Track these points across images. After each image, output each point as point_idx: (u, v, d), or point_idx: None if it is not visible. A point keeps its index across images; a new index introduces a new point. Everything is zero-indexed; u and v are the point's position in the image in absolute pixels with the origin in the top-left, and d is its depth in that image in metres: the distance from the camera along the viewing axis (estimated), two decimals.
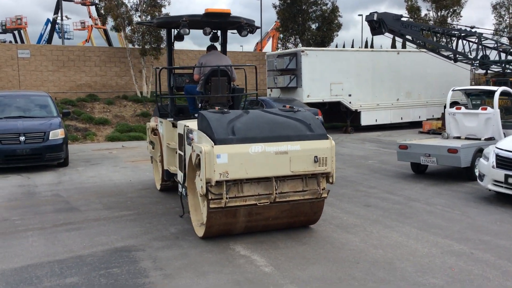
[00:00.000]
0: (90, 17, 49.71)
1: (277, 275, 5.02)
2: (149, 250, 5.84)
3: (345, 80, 20.14)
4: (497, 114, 10.59)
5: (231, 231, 6.23)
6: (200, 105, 8.15)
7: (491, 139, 10.45)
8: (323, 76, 19.55)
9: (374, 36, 20.11)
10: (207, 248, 5.90)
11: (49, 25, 48.68)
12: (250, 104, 17.85)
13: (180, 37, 8.90)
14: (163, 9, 21.51)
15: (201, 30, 8.19)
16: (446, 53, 20.05)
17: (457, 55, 19.99)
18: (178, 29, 7.89)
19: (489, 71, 22.08)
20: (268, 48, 50.81)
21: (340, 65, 20.01)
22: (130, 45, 22.47)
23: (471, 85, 25.77)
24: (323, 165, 6.04)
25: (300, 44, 26.34)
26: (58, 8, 48.35)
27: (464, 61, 20.57)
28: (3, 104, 12.47)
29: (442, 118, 21.58)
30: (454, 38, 19.95)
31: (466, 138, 10.88)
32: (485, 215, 7.23)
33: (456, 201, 8.16)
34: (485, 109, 10.84)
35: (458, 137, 11.07)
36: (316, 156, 5.99)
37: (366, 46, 42.47)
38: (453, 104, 22.46)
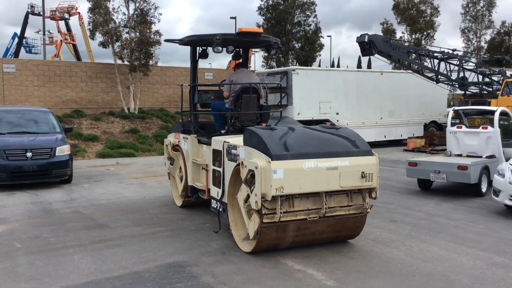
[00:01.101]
0: (59, 31, 48.99)
1: None
2: (203, 266, 5.86)
3: (333, 98, 20.58)
4: (497, 133, 11.11)
5: (279, 245, 6.33)
6: (229, 121, 8.27)
7: (492, 157, 10.95)
8: (312, 94, 19.93)
9: (362, 57, 20.79)
10: (258, 262, 5.97)
11: (16, 39, 47.81)
12: None
13: (204, 55, 9.04)
14: (153, 26, 21.59)
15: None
16: (429, 74, 20.83)
17: (439, 76, 20.81)
18: (211, 47, 8.01)
19: (467, 92, 23.03)
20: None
21: (329, 84, 20.47)
22: (119, 61, 22.34)
23: (449, 105, 26.77)
24: (369, 180, 6.25)
25: (284, 63, 26.76)
26: (26, 22, 47.68)
27: (445, 82, 21.41)
28: (6, 120, 12.20)
29: (424, 136, 22.35)
30: (436, 60, 20.78)
31: (468, 156, 11.35)
32: (509, 229, 7.57)
33: (474, 216, 8.49)
34: (486, 128, 11.35)
35: (460, 155, 11.53)
36: (363, 172, 6.19)
37: (332, 66, 43.54)
38: (432, 123, 23.29)
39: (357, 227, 6.63)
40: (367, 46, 17.96)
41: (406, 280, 5.40)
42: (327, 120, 20.41)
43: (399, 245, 6.73)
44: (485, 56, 32.91)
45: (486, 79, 22.71)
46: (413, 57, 20.04)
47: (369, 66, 30.73)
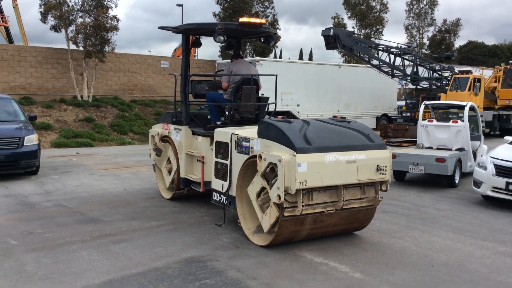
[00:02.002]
0: None
1: (372, 280, 5.21)
2: (223, 260, 5.74)
3: (294, 90, 20.75)
4: (467, 127, 11.66)
5: (294, 238, 6.31)
6: (227, 113, 8.11)
7: (461, 150, 11.49)
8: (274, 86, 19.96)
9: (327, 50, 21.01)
10: (277, 256, 5.93)
11: None
12: None
13: (197, 44, 8.82)
14: (110, 10, 20.71)
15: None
16: (385, 69, 21.49)
17: (395, 71, 21.52)
18: (212, 36, 7.79)
19: (418, 87, 23.98)
20: None
21: (290, 76, 20.59)
22: (74, 46, 21.28)
23: (399, 98, 27.81)
24: (383, 173, 6.35)
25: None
26: None
27: (400, 77, 22.18)
28: None
29: (379, 129, 23.06)
30: (392, 55, 21.45)
31: (438, 149, 11.84)
32: (496, 219, 7.98)
33: (458, 206, 8.87)
34: (456, 122, 11.88)
35: (430, 147, 12.00)
36: (378, 165, 6.29)
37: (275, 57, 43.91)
38: (383, 116, 23.89)
39: (367, 219, 6.74)
40: (332, 39, 18.22)
41: (428, 270, 5.55)
42: (288, 112, 20.58)
43: (404, 235, 6.91)
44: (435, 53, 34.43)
45: (436, 75, 23.72)
46: (372, 51, 20.57)
47: (301, 58, 31.45)
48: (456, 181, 10.84)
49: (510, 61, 27.88)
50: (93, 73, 21.75)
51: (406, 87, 26.70)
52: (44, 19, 20.72)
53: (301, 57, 33.85)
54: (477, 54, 46.16)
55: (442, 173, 10.45)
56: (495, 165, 8.76)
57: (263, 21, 7.86)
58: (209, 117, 9.00)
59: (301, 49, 63.92)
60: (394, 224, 7.50)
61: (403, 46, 21.45)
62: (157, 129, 9.25)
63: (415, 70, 22.24)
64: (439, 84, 23.55)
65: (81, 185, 10.27)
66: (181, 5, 38.94)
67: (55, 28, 21.14)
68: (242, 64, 8.32)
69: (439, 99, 22.98)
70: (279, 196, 5.74)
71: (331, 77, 22.45)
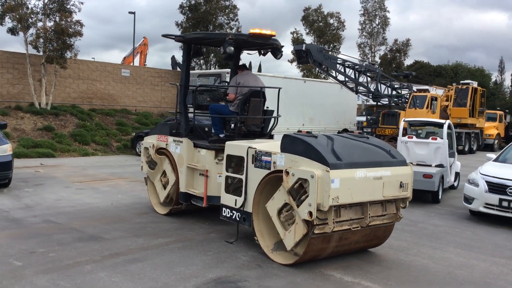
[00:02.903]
0: None
1: None
2: (252, 280, 5.49)
3: (267, 102, 20.66)
4: (445, 144, 12.00)
5: (318, 257, 6.16)
6: (232, 125, 7.88)
7: (440, 166, 11.80)
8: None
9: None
10: (305, 275, 5.75)
11: None
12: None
13: (199, 54, 8.57)
14: (74, 15, 19.83)
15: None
16: (350, 85, 21.92)
17: (359, 87, 22.01)
18: (220, 47, 7.56)
19: (378, 103, 24.63)
20: (135, 63, 49.82)
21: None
22: (33, 51, 20.19)
23: (359, 114, 28.46)
24: (405, 190, 6.34)
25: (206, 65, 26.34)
26: None
27: (363, 93, 22.70)
28: None
29: None
30: (357, 72, 21.94)
31: (418, 165, 12.10)
32: (494, 234, 8.18)
33: (452, 222, 9.05)
34: (435, 139, 12.19)
35: (410, 163, 12.23)
36: (401, 182, 6.27)
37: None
38: (344, 130, 24.46)
39: (385, 236, 6.70)
40: (304, 54, 18.36)
41: (460, 286, 5.56)
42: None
43: (417, 252, 6.92)
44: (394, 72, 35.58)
45: (394, 92, 24.47)
46: (339, 67, 20.93)
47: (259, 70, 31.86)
48: (440, 197, 11.10)
49: (461, 82, 29.29)
50: (52, 80, 20.73)
51: (367, 103, 27.39)
52: (1, 21, 19.55)
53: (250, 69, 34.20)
54: (423, 73, 48.20)
55: (429, 188, 10.67)
56: (487, 182, 9.02)
57: (274, 33, 7.73)
58: (206, 129, 8.76)
59: (250, 62, 64.31)
60: (401, 241, 7.51)
61: (365, 63, 21.95)
62: (151, 140, 8.84)
63: (375, 87, 22.83)
64: (398, 101, 24.30)
65: (61, 199, 9.63)
66: (133, 13, 38.17)
67: (12, 31, 20.00)
68: (249, 76, 8.14)
69: (399, 116, 23.77)
70: (310, 213, 5.57)
71: (296, 91, 22.59)
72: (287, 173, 5.89)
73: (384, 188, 6.09)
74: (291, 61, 34.79)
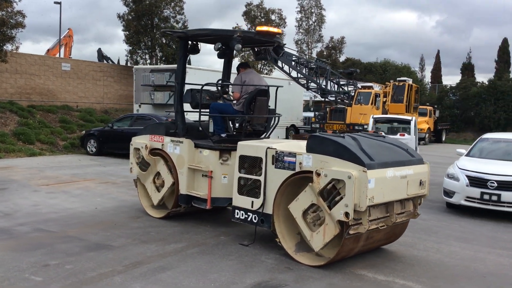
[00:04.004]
0: None
1: None
2: (293, 285, 5.40)
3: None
4: (413, 140, 12.52)
5: (346, 256, 6.17)
6: (237, 125, 7.68)
7: None
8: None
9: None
10: (340, 276, 5.75)
11: None
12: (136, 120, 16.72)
13: (196, 51, 8.27)
14: (15, 5, 18.34)
15: None
16: (302, 82, 22.23)
17: (310, 83, 22.36)
18: (227, 44, 7.33)
19: (326, 100, 25.19)
20: (61, 55, 47.62)
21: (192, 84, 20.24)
22: None
23: (306, 109, 28.92)
24: (424, 187, 6.51)
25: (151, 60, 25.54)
26: None
27: (313, 89, 23.09)
28: None
29: (293, 138, 23.75)
30: (308, 69, 22.27)
31: None
32: (480, 226, 8.63)
33: (435, 215, 9.43)
34: (403, 135, 12.69)
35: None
36: (421, 180, 6.43)
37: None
38: (291, 126, 24.74)
39: (401, 233, 6.85)
40: (263, 51, 18.25)
41: (484, 281, 5.80)
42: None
43: (426, 248, 7.13)
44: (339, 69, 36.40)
45: (340, 89, 25.14)
46: (293, 64, 21.14)
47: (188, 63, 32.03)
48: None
49: (398, 79, 30.67)
50: None
51: (314, 99, 27.91)
52: None
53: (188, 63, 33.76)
54: (342, 69, 49.88)
55: None
56: (468, 176, 9.49)
57: (280, 30, 7.62)
58: (200, 128, 8.48)
59: (190, 57, 63.16)
60: (404, 236, 7.66)
61: (315, 60, 22.34)
62: (143, 141, 8.42)
63: (324, 84, 23.31)
64: (344, 97, 24.98)
65: (38, 205, 8.94)
66: (59, 3, 36.06)
67: None
68: (254, 74, 7.98)
69: (346, 112, 24.47)
70: (346, 214, 5.56)
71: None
72: (318, 174, 5.83)
73: (408, 187, 6.21)
74: (234, 56, 34.59)
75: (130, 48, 26.54)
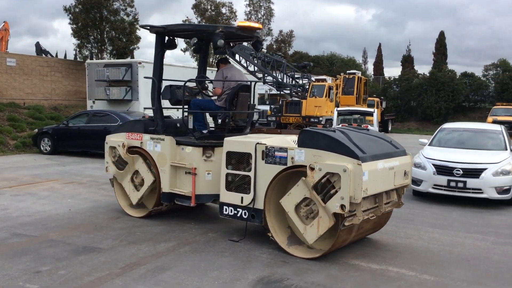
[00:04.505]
0: None
1: (445, 281, 5.56)
2: (295, 278, 5.48)
3: None
4: (376, 131, 12.89)
5: (339, 247, 6.32)
6: (220, 121, 7.64)
7: None
8: None
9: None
10: (336, 267, 5.88)
11: None
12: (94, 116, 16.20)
13: (173, 46, 8.13)
14: None
15: None
16: (259, 75, 22.31)
17: (266, 77, 22.51)
18: (209, 40, 7.26)
19: (281, 93, 25.42)
20: None
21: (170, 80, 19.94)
22: None
23: (264, 103, 29.02)
24: (407, 178, 6.77)
25: (99, 54, 24.75)
26: None
27: (270, 83, 23.25)
28: None
29: (252, 132, 23.79)
30: (265, 63, 22.36)
31: None
32: (449, 212, 9.05)
33: (406, 204, 9.57)
34: (367, 126, 13.03)
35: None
36: (405, 171, 6.67)
37: None
38: None
39: (385, 222, 7.08)
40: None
41: (470, 264, 6.12)
42: (168, 117, 19.84)
43: (407, 235, 7.40)
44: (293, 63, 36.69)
45: (294, 82, 25.46)
46: (251, 59, 21.15)
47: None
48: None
49: (348, 71, 31.43)
50: None
51: (270, 92, 28.08)
52: None
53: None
54: (295, 62, 50.59)
55: None
56: (434, 165, 9.93)
57: (260, 26, 7.63)
58: (178, 125, 8.38)
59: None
60: (392, 226, 7.78)
61: (271, 54, 22.49)
62: (119, 139, 8.21)
63: (280, 77, 23.53)
64: (299, 90, 25.31)
65: (7, 208, 8.54)
66: None
67: None
68: (235, 70, 7.95)
69: (301, 105, 24.84)
70: (342, 206, 5.70)
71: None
72: (312, 168, 5.92)
73: (395, 178, 6.44)
74: (184, 50, 34.44)
75: (79, 42, 25.60)
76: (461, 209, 9.34)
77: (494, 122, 24.81)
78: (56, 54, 40.92)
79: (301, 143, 6.22)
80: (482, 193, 9.50)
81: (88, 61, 20.96)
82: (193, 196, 7.43)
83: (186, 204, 7.53)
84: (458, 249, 6.75)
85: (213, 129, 8.25)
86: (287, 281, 5.36)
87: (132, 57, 26.60)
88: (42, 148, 16.94)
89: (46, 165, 14.24)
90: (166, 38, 7.92)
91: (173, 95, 8.03)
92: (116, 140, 8.24)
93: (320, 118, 23.94)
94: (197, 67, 8.99)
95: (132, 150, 8.07)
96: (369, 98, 35.55)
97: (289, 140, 7.02)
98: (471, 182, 9.51)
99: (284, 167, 6.31)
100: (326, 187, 5.92)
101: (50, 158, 15.72)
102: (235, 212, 6.83)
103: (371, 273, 5.71)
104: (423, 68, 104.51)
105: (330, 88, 25.37)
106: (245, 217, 6.72)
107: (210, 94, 8.57)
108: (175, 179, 7.68)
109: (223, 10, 34.48)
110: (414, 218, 8.51)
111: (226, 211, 6.93)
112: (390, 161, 6.34)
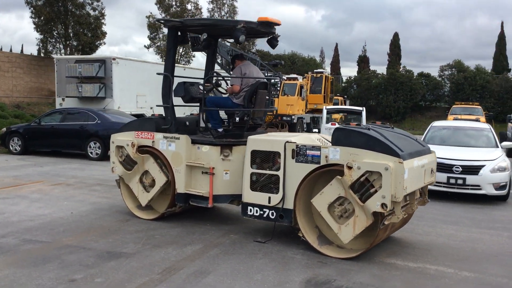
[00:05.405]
0: None
1: (485, 277, 5.60)
2: (341, 279, 5.37)
3: (148, 92, 19.66)
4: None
5: (372, 245, 6.25)
6: (237, 119, 7.41)
7: None
8: (130, 87, 18.67)
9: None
10: (376, 267, 5.82)
11: None
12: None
13: (185, 41, 7.86)
14: None
15: None
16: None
17: None
18: (228, 36, 7.02)
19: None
20: None
21: (144, 77, 19.44)
22: None
23: None
24: (433, 176, 6.81)
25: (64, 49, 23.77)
26: None
27: None
28: None
29: None
30: None
31: None
32: (451, 208, 9.22)
33: None
34: (355, 124, 13.13)
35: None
36: (432, 168, 6.72)
37: None
38: None
39: (408, 219, 7.09)
40: (201, 41, 17.82)
41: (499, 260, 6.21)
42: (142, 115, 19.31)
43: (425, 232, 7.45)
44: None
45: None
46: (228, 56, 20.90)
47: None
48: None
49: (315, 70, 31.68)
50: None
51: None
52: None
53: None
54: (264, 61, 50.65)
55: None
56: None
57: (279, 21, 7.44)
58: (188, 123, 8.11)
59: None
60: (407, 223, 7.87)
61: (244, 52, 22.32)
62: (128, 138, 7.82)
63: None
64: (271, 89, 25.26)
65: (3, 212, 7.98)
66: None
67: None
68: (252, 67, 7.74)
69: (273, 103, 24.77)
70: (383, 205, 5.64)
71: (177, 79, 21.88)
72: (350, 167, 5.83)
73: (425, 175, 6.46)
74: (148, 47, 33.66)
75: (42, 37, 24.44)
76: (461, 206, 9.54)
77: (455, 120, 25.73)
78: (1, 48, 39.02)
79: (335, 142, 6.11)
80: (480, 189, 9.75)
81: (57, 56, 20.06)
82: (211, 197, 7.18)
83: (203, 205, 7.27)
84: (480, 245, 6.85)
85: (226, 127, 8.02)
86: (334, 282, 5.25)
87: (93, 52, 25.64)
88: (11, 148, 16.06)
89: (22, 166, 13.48)
90: (179, 33, 7.62)
91: (187, 92, 7.74)
92: (123, 139, 7.85)
93: (292, 117, 23.98)
94: (205, 63, 8.71)
95: (141, 149, 7.71)
96: (335, 97, 36.10)
97: (312, 138, 6.92)
98: (470, 179, 9.74)
99: (316, 166, 6.19)
100: (364, 185, 5.85)
101: (23, 159, 14.92)
102: (261, 212, 6.65)
103: (411, 272, 5.68)
104: (380, 69, 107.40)
105: (301, 86, 25.46)
106: (273, 217, 6.56)
107: (222, 91, 8.33)
108: (190, 179, 7.40)
109: (189, 6, 34.01)
110: (422, 215, 8.59)
111: (250, 211, 6.74)
112: (422, 159, 6.35)
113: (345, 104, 37.55)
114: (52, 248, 6.15)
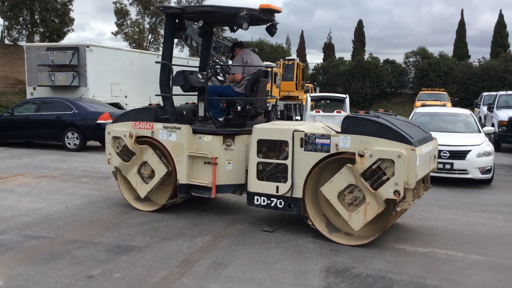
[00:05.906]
0: None
1: (494, 260, 5.76)
2: (359, 266, 5.42)
3: (122, 80, 19.25)
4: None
5: (383, 232, 6.33)
6: (239, 108, 7.32)
7: None
8: (105, 75, 18.20)
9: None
10: (389, 253, 5.90)
11: None
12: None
13: (184, 28, 7.68)
14: None
15: None
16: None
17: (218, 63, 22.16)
18: (231, 23, 6.89)
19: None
20: None
21: (118, 65, 19.02)
22: None
23: None
24: (435, 162, 6.94)
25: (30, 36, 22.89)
26: None
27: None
28: None
29: None
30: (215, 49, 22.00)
31: None
32: (440, 192, 9.40)
33: None
34: (340, 112, 13.28)
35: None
36: (435, 155, 6.84)
37: None
38: None
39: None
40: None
41: (502, 242, 6.41)
42: (118, 104, 18.88)
43: (425, 217, 7.59)
44: None
45: None
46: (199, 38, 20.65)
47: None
48: None
49: (287, 58, 31.70)
50: None
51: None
52: None
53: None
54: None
55: None
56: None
57: (280, 9, 7.35)
58: (185, 112, 7.97)
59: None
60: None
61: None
62: (125, 128, 7.62)
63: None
64: None
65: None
66: None
67: None
68: (253, 55, 7.64)
69: None
70: (396, 192, 5.71)
71: (152, 66, 21.40)
72: (361, 155, 5.86)
73: (430, 162, 6.57)
74: (115, 34, 32.82)
75: (7, 23, 23.44)
76: (449, 190, 9.78)
77: (423, 106, 26.34)
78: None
79: (345, 130, 6.13)
80: (467, 173, 10.02)
81: (27, 44, 19.26)
82: (214, 187, 7.10)
83: (205, 195, 7.18)
84: (480, 228, 7.05)
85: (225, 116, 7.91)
86: (353, 270, 5.29)
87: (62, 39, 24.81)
88: None
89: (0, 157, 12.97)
90: (177, 20, 7.44)
91: (187, 81, 7.58)
92: (120, 129, 7.64)
93: (268, 104, 23.96)
94: (200, 51, 8.54)
95: (139, 140, 7.53)
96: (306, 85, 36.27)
97: (318, 127, 6.92)
98: (457, 164, 9.99)
99: (326, 154, 6.19)
100: (376, 173, 5.89)
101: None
102: (269, 202, 6.62)
103: (424, 257, 5.79)
104: (345, 56, 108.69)
105: (275, 74, 25.43)
106: (281, 206, 6.54)
107: (221, 79, 8.21)
108: (192, 169, 7.29)
109: None
110: (416, 201, 8.69)
111: (257, 201, 6.70)
112: (428, 145, 6.46)
113: (315, 91, 37.87)
114: (57, 243, 5.95)
